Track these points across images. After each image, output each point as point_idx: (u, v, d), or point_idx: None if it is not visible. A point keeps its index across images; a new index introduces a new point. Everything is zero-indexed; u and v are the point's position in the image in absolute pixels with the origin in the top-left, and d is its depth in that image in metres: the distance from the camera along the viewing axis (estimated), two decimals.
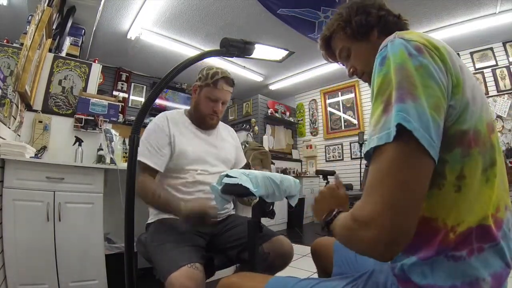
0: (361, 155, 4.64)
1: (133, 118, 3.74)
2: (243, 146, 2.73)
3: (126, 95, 4.53)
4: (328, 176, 3.98)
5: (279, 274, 1.20)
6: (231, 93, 1.35)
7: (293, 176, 4.63)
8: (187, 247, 1.02)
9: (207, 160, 1.29)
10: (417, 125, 0.41)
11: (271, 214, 0.97)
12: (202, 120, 1.34)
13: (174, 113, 1.36)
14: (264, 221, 1.00)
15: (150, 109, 0.80)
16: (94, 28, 3.14)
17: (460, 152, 0.47)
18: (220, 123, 1.47)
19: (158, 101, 4.76)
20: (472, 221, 0.47)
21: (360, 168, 4.41)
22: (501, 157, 0.53)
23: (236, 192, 0.91)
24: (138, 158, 1.10)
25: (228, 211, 1.34)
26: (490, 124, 0.52)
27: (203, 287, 0.92)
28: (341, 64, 0.84)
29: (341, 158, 5.25)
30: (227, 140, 1.47)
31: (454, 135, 0.47)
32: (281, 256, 1.19)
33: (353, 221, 0.46)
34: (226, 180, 0.90)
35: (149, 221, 1.25)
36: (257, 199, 0.94)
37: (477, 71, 3.92)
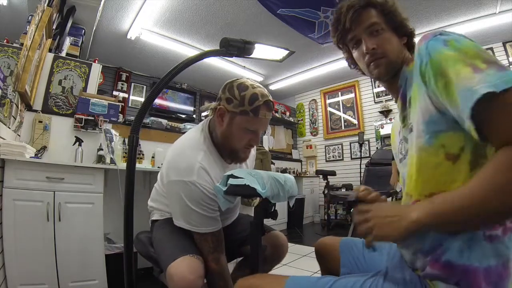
0: (361, 155, 4.63)
1: (133, 118, 3.74)
2: None
3: (126, 95, 4.52)
4: (329, 176, 3.98)
5: (278, 270, 1.21)
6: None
7: (293, 176, 4.60)
8: (190, 242, 1.01)
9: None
10: None
11: (274, 215, 0.96)
12: (234, 154, 1.06)
13: (203, 153, 1.02)
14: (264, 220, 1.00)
15: (149, 109, 0.80)
16: (94, 28, 3.13)
17: None
18: None
19: (158, 101, 4.76)
20: None
21: (360, 168, 4.41)
22: None
23: (242, 193, 0.89)
24: (207, 231, 0.97)
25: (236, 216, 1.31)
26: None
27: (202, 280, 0.90)
28: (356, 35, 0.76)
29: (341, 158, 5.25)
30: (246, 164, 1.24)
31: None
32: (277, 248, 1.21)
33: None
34: (232, 182, 0.88)
35: (154, 218, 1.22)
36: (258, 199, 0.93)
37: None
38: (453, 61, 0.51)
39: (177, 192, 0.97)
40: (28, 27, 1.96)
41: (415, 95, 0.62)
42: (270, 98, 1.02)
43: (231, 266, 1.32)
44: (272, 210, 0.95)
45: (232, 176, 0.89)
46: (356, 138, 4.77)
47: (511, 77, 0.45)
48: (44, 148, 2.09)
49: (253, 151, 1.28)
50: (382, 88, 4.72)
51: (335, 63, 4.38)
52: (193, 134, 1.10)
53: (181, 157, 1.01)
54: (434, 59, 0.54)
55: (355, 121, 5.09)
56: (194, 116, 5.01)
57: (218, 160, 1.07)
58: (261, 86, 1.04)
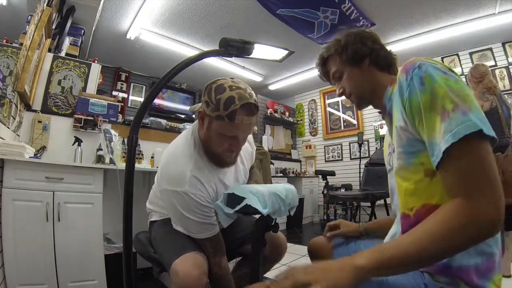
0: (360, 155, 4.64)
1: (132, 118, 3.74)
2: None
3: (125, 95, 4.53)
4: (328, 176, 3.98)
5: (277, 271, 1.22)
6: (254, 123, 1.00)
7: (293, 176, 4.58)
8: (192, 240, 1.01)
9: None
10: (485, 127, 0.50)
11: (275, 228, 0.98)
12: (218, 159, 1.02)
13: (193, 159, 1.00)
14: None
15: (149, 109, 0.80)
16: (93, 28, 3.13)
17: None
18: None
19: (157, 101, 4.76)
20: None
21: (359, 168, 4.41)
22: None
23: (244, 211, 0.90)
24: (205, 236, 0.97)
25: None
26: None
27: (206, 277, 0.91)
28: (332, 84, 0.92)
29: (340, 158, 5.25)
30: (243, 164, 1.20)
31: None
32: (276, 248, 1.21)
33: (475, 221, 0.47)
34: (237, 208, 0.89)
35: (153, 219, 1.22)
36: None
37: None
38: (427, 108, 0.55)
39: (171, 201, 0.97)
40: (27, 27, 1.95)
41: (395, 117, 0.66)
42: (251, 100, 0.92)
43: (230, 266, 1.32)
44: (273, 224, 0.97)
45: (233, 195, 0.89)
46: (356, 138, 4.78)
47: (474, 121, 0.50)
48: (43, 148, 2.09)
49: (250, 148, 1.25)
50: None
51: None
52: (184, 138, 1.07)
53: (172, 165, 0.99)
54: (413, 100, 0.58)
55: (355, 121, 5.09)
56: (194, 116, 5.01)
57: (209, 164, 1.04)
58: (242, 86, 0.94)
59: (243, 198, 0.87)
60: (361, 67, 0.81)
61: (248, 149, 1.23)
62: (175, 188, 0.94)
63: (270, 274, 1.26)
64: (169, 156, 1.03)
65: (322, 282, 0.47)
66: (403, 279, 0.61)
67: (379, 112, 0.82)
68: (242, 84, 0.95)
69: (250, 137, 1.22)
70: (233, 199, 0.91)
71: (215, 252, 0.98)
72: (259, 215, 0.96)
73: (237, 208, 0.87)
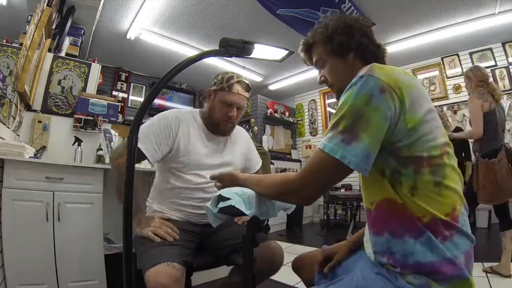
0: None
1: (132, 118, 3.73)
2: None
3: (125, 95, 4.53)
4: None
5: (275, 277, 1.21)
6: (247, 98, 1.32)
7: None
8: (171, 247, 1.02)
9: (206, 167, 1.26)
10: (348, 159, 0.59)
11: (265, 229, 1.00)
12: (216, 126, 1.30)
13: (187, 113, 1.32)
14: None
15: (149, 109, 0.80)
16: (93, 28, 3.13)
17: (412, 169, 0.60)
18: (236, 126, 1.43)
19: (157, 101, 4.76)
20: (431, 215, 0.60)
21: None
22: (455, 170, 0.65)
23: (230, 213, 0.92)
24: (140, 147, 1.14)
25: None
26: (443, 148, 0.63)
27: (180, 284, 0.93)
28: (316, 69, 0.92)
29: None
30: (237, 147, 1.42)
31: (407, 157, 0.60)
32: (269, 262, 1.14)
33: (295, 192, 0.68)
34: (221, 205, 0.88)
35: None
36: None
37: None
38: (337, 112, 0.63)
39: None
40: (27, 27, 1.95)
41: None
42: (246, 81, 1.30)
43: (225, 271, 1.29)
44: (264, 225, 0.97)
45: (220, 196, 0.90)
46: None
47: (332, 147, 0.61)
48: (43, 148, 2.09)
49: (244, 133, 1.57)
50: None
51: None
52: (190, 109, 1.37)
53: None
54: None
55: None
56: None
57: (201, 127, 1.32)
58: (242, 75, 1.30)
59: (229, 200, 0.87)
60: (345, 60, 0.77)
61: (240, 147, 1.45)
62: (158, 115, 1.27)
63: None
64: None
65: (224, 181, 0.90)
66: (372, 285, 0.64)
67: None
68: (242, 77, 1.31)
69: (247, 137, 1.57)
70: (220, 201, 0.92)
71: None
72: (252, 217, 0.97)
73: (221, 205, 0.88)
